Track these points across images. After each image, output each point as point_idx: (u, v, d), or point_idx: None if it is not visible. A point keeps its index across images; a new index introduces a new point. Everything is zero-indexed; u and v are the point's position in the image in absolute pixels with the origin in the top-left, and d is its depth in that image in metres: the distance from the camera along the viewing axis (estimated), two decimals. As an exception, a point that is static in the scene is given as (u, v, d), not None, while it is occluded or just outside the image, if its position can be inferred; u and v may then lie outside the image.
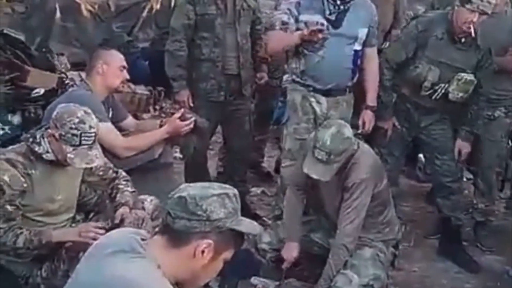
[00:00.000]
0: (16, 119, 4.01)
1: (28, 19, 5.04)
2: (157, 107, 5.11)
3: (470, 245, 3.65)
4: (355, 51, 3.31)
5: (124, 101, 4.33)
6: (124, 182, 2.83)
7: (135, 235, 1.56)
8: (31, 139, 2.50)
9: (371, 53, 3.42)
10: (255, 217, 3.65)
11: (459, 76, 3.24)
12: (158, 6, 5.69)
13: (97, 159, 2.53)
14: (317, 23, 3.20)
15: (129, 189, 2.81)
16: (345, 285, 2.83)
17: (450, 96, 3.27)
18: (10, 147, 2.61)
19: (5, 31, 4.29)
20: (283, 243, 3.11)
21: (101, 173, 2.79)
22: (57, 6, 5.07)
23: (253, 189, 4.16)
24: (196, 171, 3.66)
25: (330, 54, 3.22)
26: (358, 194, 2.85)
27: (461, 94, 3.28)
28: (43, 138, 2.49)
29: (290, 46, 3.29)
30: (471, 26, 3.14)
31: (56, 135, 2.46)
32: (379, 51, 3.61)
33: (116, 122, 3.18)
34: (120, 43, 5.14)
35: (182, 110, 3.24)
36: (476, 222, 3.74)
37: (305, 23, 3.22)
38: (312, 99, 3.34)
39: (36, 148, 2.48)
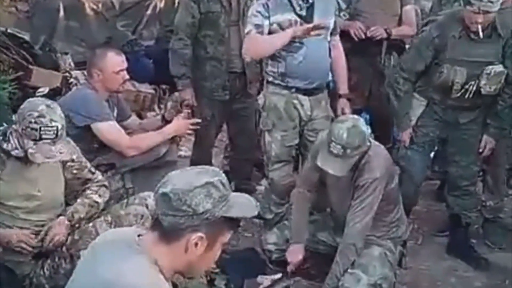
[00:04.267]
0: (20, 118, 3.99)
1: (32, 18, 5.04)
2: (162, 105, 5.09)
3: (478, 243, 3.62)
4: (328, 42, 3.28)
5: (128, 100, 4.32)
6: (95, 188, 2.76)
7: (131, 232, 1.54)
8: (1, 137, 2.48)
9: (337, 40, 3.38)
10: (259, 217, 3.61)
11: (488, 70, 3.14)
12: (162, 4, 5.68)
13: (61, 154, 2.47)
14: (290, 21, 3.14)
15: (94, 196, 2.73)
16: (353, 284, 2.82)
17: (483, 91, 3.17)
18: None
19: (9, 31, 4.28)
20: (289, 243, 3.09)
21: (75, 171, 2.71)
22: (60, 4, 5.05)
23: (258, 187, 4.13)
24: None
25: (310, 51, 3.14)
26: (369, 193, 2.83)
27: (493, 87, 3.17)
28: (12, 134, 2.46)
29: (277, 49, 3.16)
30: (479, 26, 3.07)
31: (19, 129, 2.44)
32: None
33: (119, 121, 3.18)
34: (124, 41, 5.14)
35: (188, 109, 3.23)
36: (484, 219, 3.70)
37: (279, 24, 3.14)
38: (296, 101, 3.24)
39: (5, 146, 2.46)
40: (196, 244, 1.47)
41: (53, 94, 3.87)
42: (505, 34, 3.17)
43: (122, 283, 1.42)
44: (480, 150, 3.35)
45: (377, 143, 2.98)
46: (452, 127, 3.37)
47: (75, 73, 4.32)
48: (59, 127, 2.45)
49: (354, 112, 3.44)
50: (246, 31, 3.24)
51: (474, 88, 3.18)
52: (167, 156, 3.28)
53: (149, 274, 1.45)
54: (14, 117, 3.87)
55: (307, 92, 3.26)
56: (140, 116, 4.29)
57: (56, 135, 2.44)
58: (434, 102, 3.37)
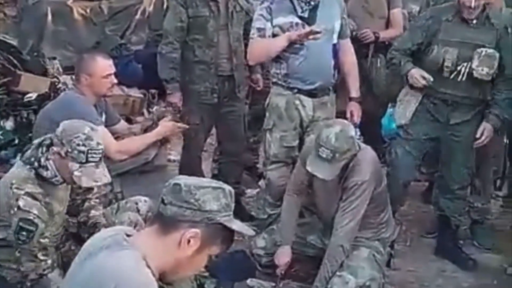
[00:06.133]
0: (8, 124, 4.00)
1: (20, 23, 5.02)
2: (151, 109, 5.09)
3: (466, 244, 3.63)
4: (333, 45, 3.29)
5: (118, 104, 4.32)
6: (98, 200, 2.76)
7: (119, 232, 1.56)
8: (36, 164, 2.42)
9: (346, 44, 3.40)
10: (251, 218, 3.64)
11: (479, 50, 3.15)
12: (151, 9, 5.68)
13: (105, 177, 2.45)
14: (291, 23, 3.17)
15: (101, 208, 2.76)
16: (341, 286, 2.83)
17: (475, 73, 3.15)
18: (11, 170, 2.52)
19: (-3, 36, 4.28)
20: (278, 247, 3.10)
21: None
22: (48, 9, 5.04)
23: (248, 190, 4.14)
24: (190, 173, 3.64)
25: (311, 52, 3.17)
26: (357, 196, 2.85)
27: (486, 70, 3.15)
28: (48, 160, 2.42)
29: (276, 53, 3.21)
30: (471, 11, 3.12)
31: (62, 152, 2.39)
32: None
33: (108, 126, 3.17)
34: (113, 46, 5.13)
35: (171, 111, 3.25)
36: (472, 221, 3.72)
37: (280, 26, 3.18)
38: (297, 102, 3.28)
39: (45, 174, 2.42)
40: (189, 241, 1.50)
41: (41, 100, 3.87)
42: (498, 24, 3.20)
43: (108, 276, 1.43)
44: (477, 136, 3.27)
45: (365, 146, 3.00)
46: (443, 128, 3.36)
47: (63, 78, 4.31)
48: (103, 150, 2.45)
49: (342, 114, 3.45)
50: (250, 35, 3.29)
51: (467, 70, 3.18)
52: (156, 160, 3.30)
53: (136, 266, 1.46)
54: (2, 123, 3.92)
55: (310, 94, 3.28)
56: (129, 121, 4.29)
57: (101, 158, 2.43)
58: (428, 94, 3.34)
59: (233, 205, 1.57)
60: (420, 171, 4.49)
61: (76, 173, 2.37)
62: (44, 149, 2.44)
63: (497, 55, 3.14)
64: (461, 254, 3.52)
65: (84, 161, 2.38)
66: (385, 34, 3.94)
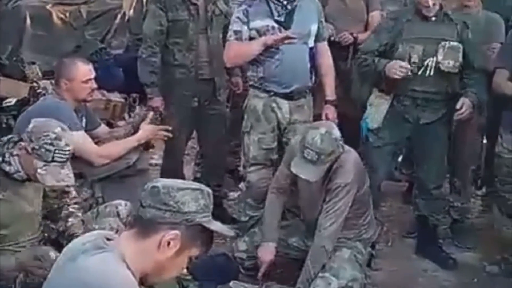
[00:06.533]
0: (-13, 129, 3.94)
1: (-2, 28, 4.97)
2: (132, 114, 5.07)
3: (447, 243, 3.67)
4: (310, 48, 3.32)
5: (98, 109, 4.30)
6: (77, 206, 2.74)
7: (99, 236, 1.55)
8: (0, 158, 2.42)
9: (323, 47, 3.44)
10: (233, 221, 3.64)
11: (443, 44, 3.20)
12: (131, 13, 5.67)
13: (69, 178, 2.45)
14: (267, 27, 3.20)
15: (80, 215, 2.73)
16: (324, 288, 2.84)
17: (442, 67, 3.20)
18: None
19: (-25, 42, 4.23)
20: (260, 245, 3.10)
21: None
22: (27, 14, 5.00)
23: (231, 193, 4.15)
24: (172, 177, 3.62)
25: (287, 56, 3.21)
26: (341, 197, 2.88)
27: (452, 62, 3.20)
28: (12, 156, 2.41)
29: (252, 56, 3.25)
30: (430, 8, 3.20)
31: (29, 148, 2.39)
32: None
33: (89, 130, 3.17)
34: (93, 50, 5.11)
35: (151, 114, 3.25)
36: (452, 220, 3.76)
37: (257, 30, 3.21)
38: (274, 105, 3.31)
39: (7, 169, 2.40)
40: (169, 243, 1.50)
41: (21, 105, 3.82)
42: (457, 20, 3.28)
43: (89, 279, 1.43)
44: (457, 108, 3.26)
45: (349, 148, 3.03)
46: (414, 129, 3.39)
47: (43, 83, 4.27)
48: (70, 151, 2.45)
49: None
50: (227, 38, 3.30)
51: (433, 64, 3.22)
52: (138, 164, 3.27)
53: (117, 268, 1.46)
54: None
55: (286, 96, 3.31)
56: (110, 125, 4.27)
57: (67, 159, 2.43)
58: (398, 95, 3.37)
59: (211, 206, 1.57)
60: (401, 171, 4.55)
61: (40, 170, 2.38)
62: (11, 145, 2.44)
63: (461, 47, 3.21)
64: (441, 253, 3.56)
65: (50, 160, 2.38)
66: (363, 36, 3.96)
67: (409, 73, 3.21)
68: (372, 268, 3.27)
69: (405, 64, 3.21)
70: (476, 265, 3.52)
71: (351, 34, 3.91)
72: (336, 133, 2.88)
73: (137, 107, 5.04)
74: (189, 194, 1.52)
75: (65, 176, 2.43)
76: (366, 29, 4.00)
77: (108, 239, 1.53)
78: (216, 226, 1.57)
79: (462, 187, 3.74)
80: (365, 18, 4.05)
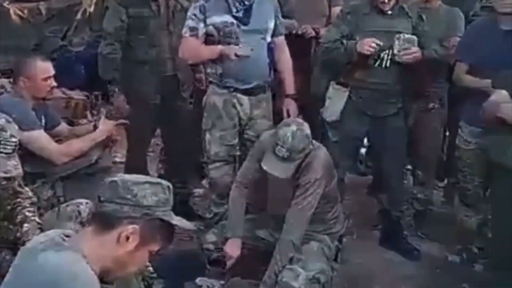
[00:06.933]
0: None
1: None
2: (95, 112, 5.00)
3: (411, 234, 3.72)
4: (268, 43, 3.33)
5: (60, 107, 4.24)
6: (32, 209, 2.66)
7: (57, 233, 1.53)
8: None
9: (281, 42, 3.44)
10: (199, 218, 3.63)
11: (398, 36, 3.24)
12: (92, 9, 5.59)
13: (16, 170, 2.44)
14: (226, 23, 3.19)
15: (37, 219, 2.67)
16: (291, 280, 2.85)
17: (398, 58, 3.24)
18: None
19: None
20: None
21: (4, 182, 2.58)
22: (-17, 11, 4.91)
23: (196, 190, 4.13)
24: (136, 174, 3.60)
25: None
26: (310, 192, 2.89)
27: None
28: None
29: (206, 59, 3.27)
30: (386, 3, 3.24)
31: None
32: None
33: (49, 129, 3.11)
34: (53, 48, 5.03)
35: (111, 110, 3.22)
36: (416, 212, 3.81)
37: (214, 26, 3.20)
38: (234, 101, 3.30)
39: None
40: (127, 238, 1.49)
41: (-22, 104, 3.73)
42: (412, 14, 3.32)
43: (49, 277, 1.41)
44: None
45: (319, 144, 3.05)
46: (372, 122, 3.43)
47: (2, 81, 4.16)
48: (17, 142, 2.44)
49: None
50: (182, 33, 3.28)
51: (390, 57, 3.26)
52: (100, 162, 3.24)
53: (76, 265, 1.44)
54: None
55: (246, 92, 3.30)
56: (72, 124, 4.20)
57: (13, 150, 2.42)
58: (356, 88, 3.39)
59: (171, 200, 1.57)
60: (366, 165, 4.59)
61: None
62: None
63: (415, 39, 3.25)
64: (405, 244, 3.61)
65: None
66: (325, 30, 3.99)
67: (380, 44, 3.23)
68: (339, 262, 3.30)
69: (378, 40, 3.23)
70: (438, 255, 3.59)
71: (314, 28, 3.92)
72: (307, 130, 2.89)
73: (100, 105, 4.97)
74: (148, 188, 1.52)
75: (13, 167, 2.42)
76: (328, 24, 4.02)
77: (66, 236, 1.51)
78: (176, 220, 1.56)
79: (425, 179, 3.79)
80: (327, 13, 4.07)
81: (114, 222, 1.49)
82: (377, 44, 3.22)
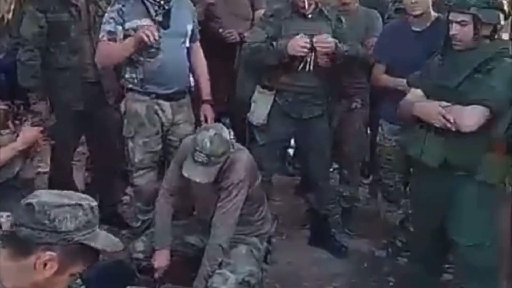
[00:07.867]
0: None
1: None
2: (17, 121, 4.83)
3: (338, 232, 3.81)
4: (187, 48, 3.34)
5: (-22, 117, 4.05)
6: None
7: None
8: None
9: (197, 47, 3.45)
10: (127, 226, 3.58)
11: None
12: (10, 16, 5.39)
13: None
14: (147, 27, 3.14)
15: None
16: (221, 284, 2.86)
17: (320, 61, 3.30)
18: None
19: None
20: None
21: None
22: None
23: (124, 197, 4.07)
24: (61, 185, 3.51)
25: (167, 56, 3.18)
26: (234, 195, 2.91)
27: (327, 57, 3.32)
28: None
29: (126, 56, 3.18)
30: (305, 4, 3.30)
31: None
32: None
33: (-35, 140, 2.99)
34: (-30, 56, 4.82)
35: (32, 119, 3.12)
36: (342, 209, 3.91)
37: (134, 30, 3.15)
38: (156, 107, 3.27)
39: None
40: (45, 265, 1.42)
41: None
42: (332, 17, 3.41)
43: None
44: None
45: (241, 146, 3.08)
46: (297, 124, 3.48)
47: None
48: None
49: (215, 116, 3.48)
50: (99, 38, 3.21)
51: (312, 59, 3.29)
52: (23, 174, 3.14)
53: None
54: None
55: (167, 98, 3.27)
56: (-8, 134, 4.05)
57: None
58: (281, 91, 3.42)
59: (96, 220, 1.50)
60: (293, 166, 4.67)
61: None
62: None
63: (335, 41, 3.31)
64: (334, 242, 3.70)
65: None
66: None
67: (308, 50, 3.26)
68: (269, 263, 3.33)
69: (308, 40, 3.26)
70: (365, 251, 3.70)
71: (239, 33, 3.95)
72: (226, 133, 2.91)
73: (22, 114, 4.80)
74: (68, 212, 1.44)
75: None
76: (251, 28, 4.05)
77: None
78: (100, 242, 1.49)
79: (350, 177, 3.89)
80: (251, 17, 4.11)
81: (31, 248, 1.42)
82: (306, 42, 3.25)
